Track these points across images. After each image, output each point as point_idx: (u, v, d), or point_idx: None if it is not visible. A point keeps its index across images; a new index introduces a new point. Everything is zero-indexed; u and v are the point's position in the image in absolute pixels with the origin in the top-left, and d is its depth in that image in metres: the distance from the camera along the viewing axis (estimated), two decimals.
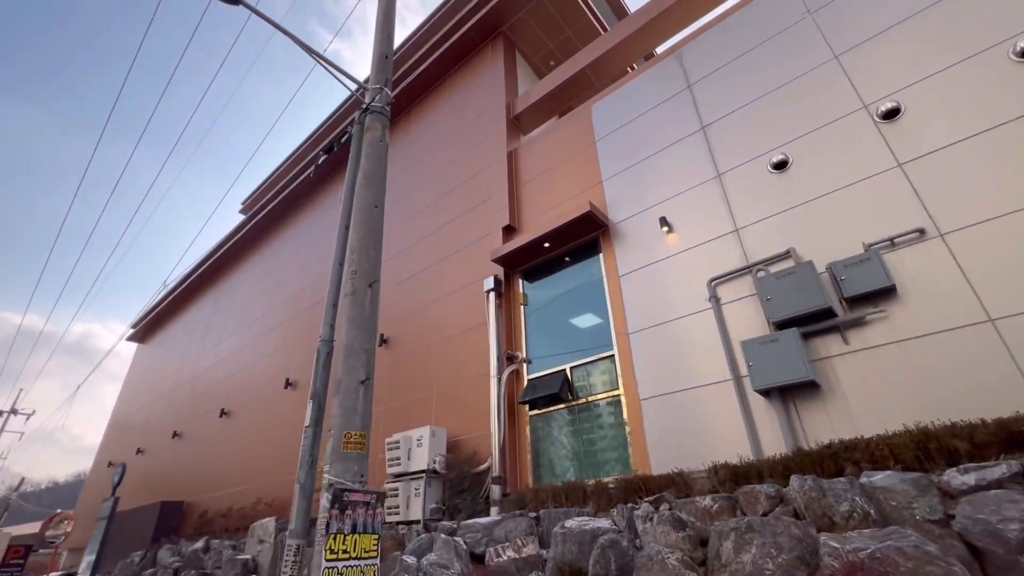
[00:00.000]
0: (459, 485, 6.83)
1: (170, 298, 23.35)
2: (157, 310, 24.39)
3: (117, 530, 15.23)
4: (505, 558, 5.16)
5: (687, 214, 6.57)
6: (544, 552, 5.02)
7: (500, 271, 8.33)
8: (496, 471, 6.73)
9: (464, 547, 5.44)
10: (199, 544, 10.36)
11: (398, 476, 7.38)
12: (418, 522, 6.68)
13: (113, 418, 24.85)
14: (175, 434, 16.63)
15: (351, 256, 4.03)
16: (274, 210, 17.67)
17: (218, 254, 20.32)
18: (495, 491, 6.61)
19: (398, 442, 7.43)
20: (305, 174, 14.38)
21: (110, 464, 21.04)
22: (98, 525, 7.05)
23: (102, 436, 25.09)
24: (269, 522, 8.15)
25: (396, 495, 7.07)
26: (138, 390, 23.52)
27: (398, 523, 6.88)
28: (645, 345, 6.28)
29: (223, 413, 14.44)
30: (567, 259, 8.12)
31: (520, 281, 8.38)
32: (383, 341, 9.91)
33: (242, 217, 20.76)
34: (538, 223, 8.37)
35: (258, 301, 16.34)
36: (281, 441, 11.44)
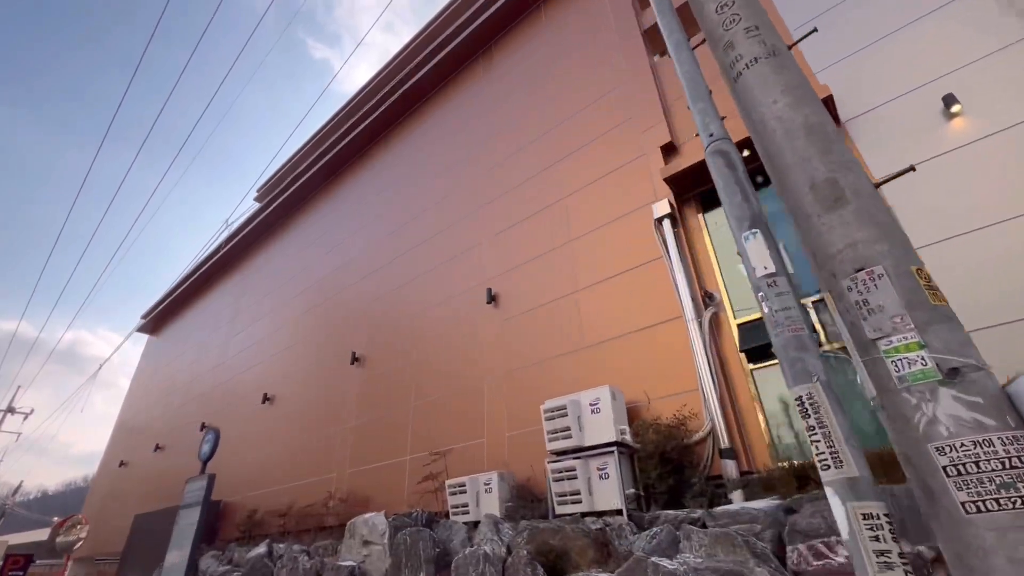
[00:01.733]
0: (667, 461, 4.98)
1: (185, 285, 21.39)
2: (171, 298, 22.41)
3: (142, 536, 13.21)
4: (843, 559, 3.35)
5: (986, 88, 4.83)
6: (923, 550, 3.20)
7: (666, 198, 6.54)
8: (724, 441, 4.91)
9: (763, 545, 3.60)
10: (260, 549, 8.42)
11: (563, 453, 5.54)
12: (618, 512, 4.84)
13: (122, 416, 22.74)
14: (203, 426, 14.62)
15: (736, 12, 2.25)
16: (309, 182, 15.81)
17: (237, 238, 18.44)
18: (729, 468, 4.79)
19: (563, 408, 5.58)
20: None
21: (122, 464, 18.97)
22: (183, 515, 5.08)
23: (109, 437, 22.91)
24: (376, 518, 6.24)
25: (572, 477, 5.23)
26: (151, 384, 21.47)
27: (583, 515, 5.03)
28: (951, 263, 4.51)
29: (266, 399, 12.50)
30: (759, 179, 6.37)
31: (696, 209, 6.61)
32: (491, 298, 8.09)
33: (273, 199, 18.91)
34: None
35: (297, 278, 14.46)
36: (354, 425, 9.54)
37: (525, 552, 4.59)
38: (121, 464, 18.94)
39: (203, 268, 20.19)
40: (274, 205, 16.68)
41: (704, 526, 4.19)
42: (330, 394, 10.62)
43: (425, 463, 6.91)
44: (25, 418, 27.89)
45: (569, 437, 5.45)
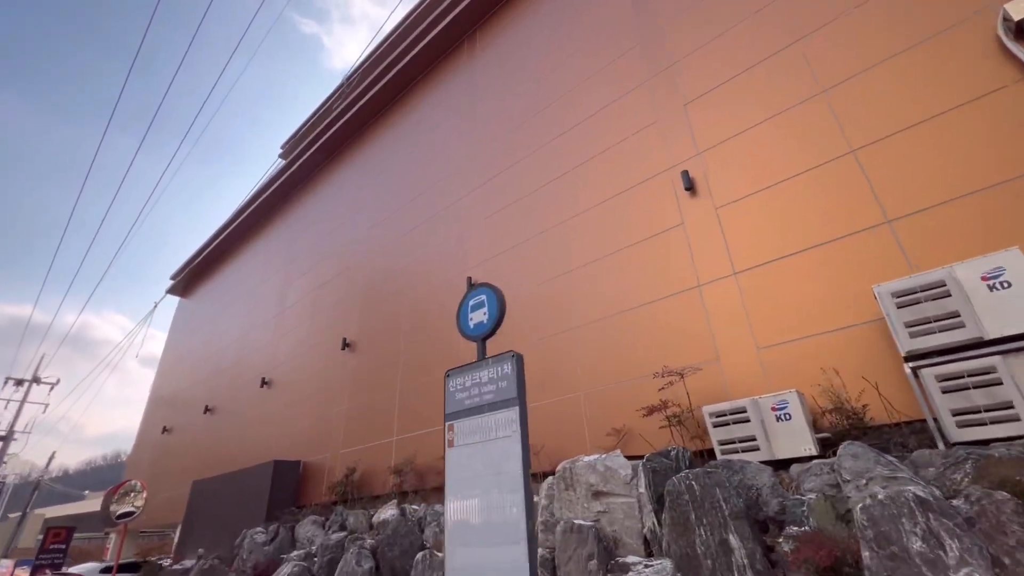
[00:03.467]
0: None
1: (221, 237, 19.51)
2: (204, 254, 20.58)
3: (203, 503, 11.61)
4: None
5: None
6: None
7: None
8: None
9: None
10: (390, 511, 6.67)
11: (936, 353, 3.63)
12: None
13: (157, 384, 21.17)
14: (264, 382, 12.91)
15: None
16: (381, 95, 13.72)
17: (286, 176, 16.44)
18: None
19: (936, 286, 3.65)
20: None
21: (165, 430, 17.41)
22: (467, 428, 2.89)
23: (144, 410, 21.40)
24: (613, 459, 4.36)
25: (990, 382, 3.32)
26: (188, 347, 19.80)
27: (1002, 441, 3.13)
28: None
29: (346, 345, 10.68)
30: None
31: None
32: (689, 184, 6.10)
33: (327, 128, 16.80)
34: None
35: (373, 203, 12.51)
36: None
37: (1006, 496, 2.72)
38: (164, 431, 17.39)
39: (243, 216, 18.26)
40: (330, 131, 14.63)
41: None
42: (436, 331, 8.75)
43: (659, 387, 5.02)
44: (51, 388, 26.49)
45: (959, 326, 3.53)
